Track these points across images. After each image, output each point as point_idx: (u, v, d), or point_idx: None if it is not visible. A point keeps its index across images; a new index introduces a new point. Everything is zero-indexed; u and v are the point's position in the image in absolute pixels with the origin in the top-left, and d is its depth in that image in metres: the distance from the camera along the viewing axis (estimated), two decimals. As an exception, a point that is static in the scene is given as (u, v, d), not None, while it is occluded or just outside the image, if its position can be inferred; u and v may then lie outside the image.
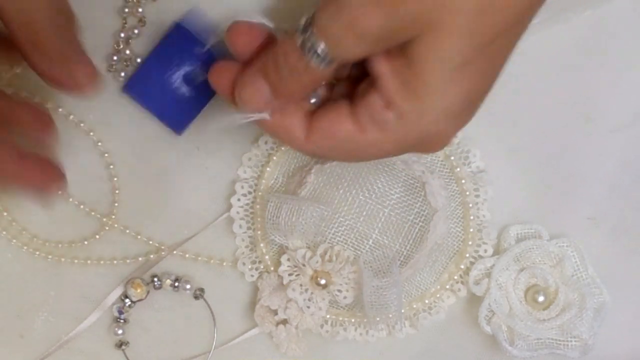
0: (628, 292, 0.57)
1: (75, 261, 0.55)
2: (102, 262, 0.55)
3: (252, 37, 0.45)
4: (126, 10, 0.53)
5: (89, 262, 0.55)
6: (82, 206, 0.54)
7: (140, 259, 0.55)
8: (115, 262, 0.55)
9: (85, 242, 0.55)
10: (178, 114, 0.53)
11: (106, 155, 0.54)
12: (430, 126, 0.41)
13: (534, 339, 0.54)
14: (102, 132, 0.54)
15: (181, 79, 0.52)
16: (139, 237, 0.55)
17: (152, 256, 0.55)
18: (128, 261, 0.55)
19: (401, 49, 0.40)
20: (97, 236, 0.55)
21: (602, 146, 0.56)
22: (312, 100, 0.45)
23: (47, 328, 0.55)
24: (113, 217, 0.55)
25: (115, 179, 0.54)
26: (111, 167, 0.54)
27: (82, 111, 0.54)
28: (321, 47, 0.39)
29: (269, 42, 0.44)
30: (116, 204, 0.55)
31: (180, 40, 0.52)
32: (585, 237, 0.56)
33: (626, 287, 0.57)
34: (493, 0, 0.38)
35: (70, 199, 0.54)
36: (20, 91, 0.53)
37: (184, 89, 0.52)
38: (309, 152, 0.46)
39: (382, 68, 0.41)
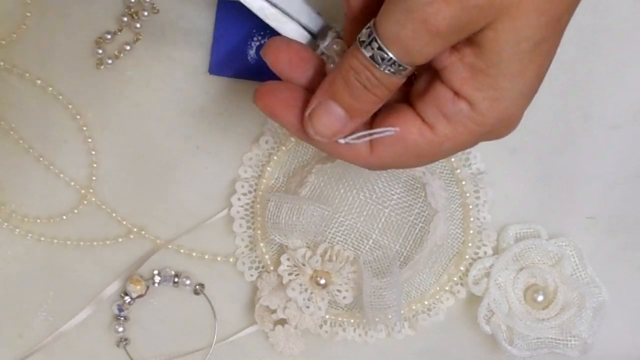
0: (627, 291, 0.57)
1: (55, 241, 0.55)
2: (81, 243, 0.55)
3: (292, 53, 0.44)
4: (125, 19, 0.53)
5: (68, 242, 0.55)
6: (62, 175, 0.54)
7: (120, 239, 0.55)
8: (95, 243, 0.55)
9: (64, 217, 0.55)
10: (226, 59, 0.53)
11: (84, 128, 0.54)
12: (506, 111, 0.40)
13: (533, 339, 0.55)
14: (97, 129, 0.54)
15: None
16: (114, 215, 0.55)
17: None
18: (108, 242, 0.55)
19: (468, 40, 0.39)
20: (76, 210, 0.55)
21: (601, 145, 0.56)
22: None
23: (46, 325, 0.56)
24: (91, 190, 0.55)
25: (94, 152, 0.55)
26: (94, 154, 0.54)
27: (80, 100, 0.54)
28: (393, 54, 0.39)
29: (310, 59, 0.44)
30: (94, 178, 0.55)
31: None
32: (584, 237, 0.56)
33: (625, 286, 0.57)
34: None
35: (51, 167, 0.54)
36: (11, 67, 0.53)
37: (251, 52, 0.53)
38: (376, 166, 0.44)
39: (448, 59, 0.40)
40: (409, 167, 0.44)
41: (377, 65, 0.39)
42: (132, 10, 0.53)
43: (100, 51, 0.53)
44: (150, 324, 0.56)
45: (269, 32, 0.50)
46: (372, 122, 0.43)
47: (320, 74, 0.43)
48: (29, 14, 0.53)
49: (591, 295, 0.55)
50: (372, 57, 0.39)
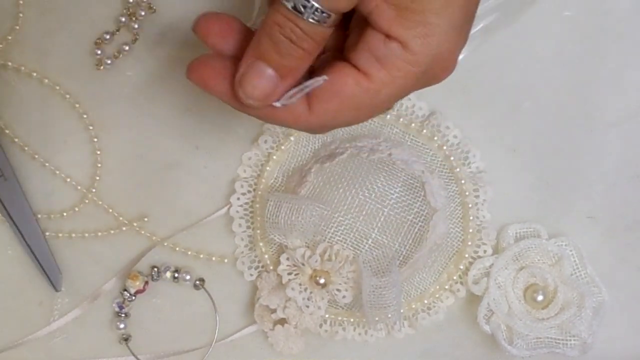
0: (627, 291, 0.57)
1: (58, 236, 0.55)
2: (81, 239, 0.55)
3: (223, 24, 0.43)
4: (122, 19, 0.53)
5: (69, 238, 0.55)
6: (62, 175, 0.55)
7: (119, 240, 0.55)
8: (95, 240, 0.55)
9: (64, 214, 0.55)
10: None
11: (90, 127, 0.54)
12: (439, 47, 0.40)
13: (533, 338, 0.54)
14: (99, 126, 0.55)
15: None
16: (115, 214, 0.55)
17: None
18: (108, 241, 0.55)
19: None
20: (77, 209, 0.55)
21: (601, 145, 0.56)
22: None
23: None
24: (93, 190, 0.55)
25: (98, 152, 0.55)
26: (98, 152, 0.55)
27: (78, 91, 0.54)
28: (315, 1, 0.38)
29: (240, 30, 0.43)
30: (97, 177, 0.55)
31: None
32: (584, 236, 0.56)
33: (625, 286, 0.57)
34: None
35: (51, 167, 0.55)
36: (6, 62, 0.53)
37: None
38: (316, 126, 0.43)
39: (372, 2, 0.40)
40: (350, 122, 0.43)
41: (300, 15, 0.38)
42: (130, 10, 0.53)
43: (99, 52, 0.53)
44: (152, 320, 0.56)
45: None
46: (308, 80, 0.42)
47: None
48: (21, 15, 0.53)
49: (591, 295, 0.55)
50: (294, 7, 0.38)
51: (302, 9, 0.38)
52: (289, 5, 0.39)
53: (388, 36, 0.40)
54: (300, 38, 0.39)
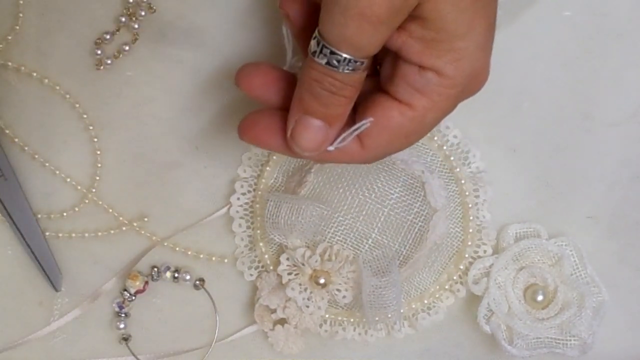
0: (627, 291, 0.57)
1: (57, 235, 0.55)
2: (80, 239, 0.55)
3: (263, 76, 0.45)
4: (122, 19, 0.53)
5: (69, 237, 0.55)
6: (62, 174, 0.55)
7: (120, 239, 0.55)
8: (95, 240, 0.55)
9: (64, 214, 0.55)
10: None
11: (90, 127, 0.54)
12: (471, 67, 0.42)
13: (533, 338, 0.54)
14: (99, 126, 0.55)
15: None
16: (115, 214, 0.55)
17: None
18: (108, 240, 0.55)
19: (410, 17, 0.40)
20: (77, 208, 0.55)
21: (600, 144, 0.56)
22: None
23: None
24: (94, 190, 0.55)
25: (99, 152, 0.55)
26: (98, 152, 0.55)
27: (77, 90, 0.54)
28: (345, 53, 0.40)
29: (281, 77, 0.45)
30: (97, 178, 0.55)
31: None
32: (584, 236, 0.56)
33: (625, 286, 0.57)
34: None
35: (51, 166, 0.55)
36: (6, 62, 0.53)
37: None
38: (371, 159, 0.45)
39: (399, 40, 0.41)
40: (402, 148, 0.45)
41: (335, 69, 0.40)
42: (130, 10, 0.53)
43: (99, 52, 0.53)
44: (152, 320, 0.56)
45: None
46: (354, 117, 0.44)
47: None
48: (21, 15, 0.53)
49: (591, 295, 0.55)
50: (327, 63, 0.40)
51: (337, 63, 0.40)
52: (322, 62, 0.40)
53: (422, 67, 0.41)
54: (340, 88, 0.41)
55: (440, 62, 0.41)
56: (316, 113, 0.42)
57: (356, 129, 0.43)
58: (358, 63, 0.40)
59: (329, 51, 0.40)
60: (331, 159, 0.45)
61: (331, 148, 0.43)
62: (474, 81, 0.43)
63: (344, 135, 0.43)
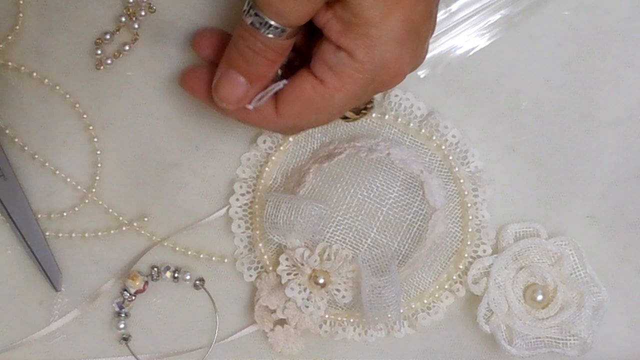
0: (626, 291, 0.57)
1: (58, 235, 0.55)
2: (80, 239, 0.55)
3: (214, 38, 0.49)
4: (122, 19, 0.53)
5: (70, 237, 0.55)
6: (62, 174, 0.55)
7: (120, 239, 0.55)
8: (95, 240, 0.56)
9: (64, 214, 0.55)
10: None
11: (90, 127, 0.55)
12: (382, 56, 0.44)
13: (532, 338, 0.54)
14: (99, 126, 0.55)
15: None
16: (115, 214, 0.55)
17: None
18: (108, 240, 0.55)
19: None
20: (77, 208, 0.55)
21: (600, 145, 0.56)
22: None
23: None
24: (94, 190, 0.55)
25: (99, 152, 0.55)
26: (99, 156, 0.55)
27: (78, 91, 0.55)
28: (269, 18, 0.42)
29: (228, 39, 0.47)
30: (97, 178, 0.55)
31: None
32: (583, 236, 0.56)
33: (624, 286, 0.57)
34: None
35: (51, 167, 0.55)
36: (6, 62, 0.54)
37: None
38: (283, 127, 0.48)
39: (324, 17, 0.44)
40: (312, 124, 0.48)
41: (259, 30, 0.43)
42: (130, 10, 0.53)
43: (99, 52, 0.53)
44: (152, 320, 0.56)
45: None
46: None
47: None
48: (21, 15, 0.53)
49: (590, 294, 0.54)
50: (252, 23, 0.43)
51: (259, 26, 0.43)
52: (248, 22, 0.43)
53: (338, 47, 0.44)
54: (262, 49, 0.44)
55: (354, 45, 0.43)
56: (239, 68, 0.45)
57: (272, 89, 0.46)
58: (280, 29, 0.43)
59: (254, 12, 0.43)
60: (248, 119, 0.48)
61: (250, 106, 0.47)
62: (385, 72, 0.44)
63: (261, 94, 0.46)
